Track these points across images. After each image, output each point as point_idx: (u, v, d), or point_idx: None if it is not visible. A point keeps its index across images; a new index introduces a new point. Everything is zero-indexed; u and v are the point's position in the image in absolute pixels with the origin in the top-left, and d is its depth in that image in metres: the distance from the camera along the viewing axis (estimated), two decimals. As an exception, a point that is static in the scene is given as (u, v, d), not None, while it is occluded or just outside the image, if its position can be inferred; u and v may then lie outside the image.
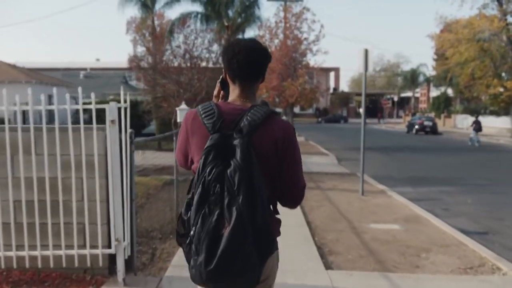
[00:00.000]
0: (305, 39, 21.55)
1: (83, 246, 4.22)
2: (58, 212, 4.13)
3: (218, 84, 2.15)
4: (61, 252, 4.19)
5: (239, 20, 36.85)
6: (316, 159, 16.40)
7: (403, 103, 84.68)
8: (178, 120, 11.64)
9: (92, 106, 4.06)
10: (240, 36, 37.67)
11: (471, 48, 30.62)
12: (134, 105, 17.09)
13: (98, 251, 4.22)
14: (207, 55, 13.57)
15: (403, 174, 13.48)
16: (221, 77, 2.12)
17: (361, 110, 9.96)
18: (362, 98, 9.61)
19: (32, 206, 4.10)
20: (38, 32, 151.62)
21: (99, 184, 4.17)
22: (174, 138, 10.21)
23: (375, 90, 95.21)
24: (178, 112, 11.49)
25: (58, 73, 39.03)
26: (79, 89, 4.13)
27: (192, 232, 1.80)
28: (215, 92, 2.18)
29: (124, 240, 4.26)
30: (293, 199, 2.08)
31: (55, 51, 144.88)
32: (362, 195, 9.31)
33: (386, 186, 10.68)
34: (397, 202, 8.78)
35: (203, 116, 1.94)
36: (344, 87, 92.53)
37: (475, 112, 45.03)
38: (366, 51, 9.15)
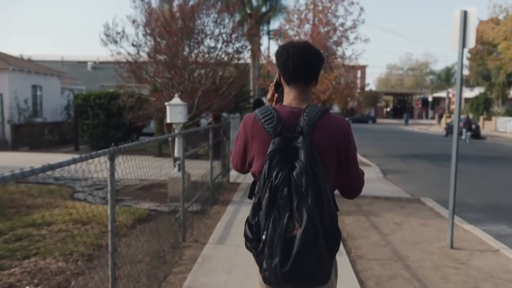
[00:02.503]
0: (341, 24, 17.81)
1: None
2: None
3: (271, 87, 2.13)
4: None
5: (264, 9, 33.74)
6: (355, 172, 12.84)
7: (434, 103, 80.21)
8: (168, 121, 8.14)
9: None
10: (264, 27, 34.84)
11: (529, 41, 26.48)
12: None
13: None
14: (214, 30, 9.83)
15: (479, 198, 9.86)
16: (275, 79, 2.09)
17: (455, 111, 6.42)
18: (457, 91, 6.07)
19: None
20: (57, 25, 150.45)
21: None
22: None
23: (403, 89, 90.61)
24: (168, 108, 7.92)
25: (66, 65, 36.23)
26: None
27: (264, 236, 1.78)
28: (268, 96, 2.16)
29: None
30: (355, 192, 2.08)
31: (80, 45, 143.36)
32: (451, 248, 5.80)
33: (469, 222, 7.24)
34: (517, 267, 5.23)
35: (262, 120, 1.92)
36: (370, 86, 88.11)
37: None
38: (465, 14, 5.62)
